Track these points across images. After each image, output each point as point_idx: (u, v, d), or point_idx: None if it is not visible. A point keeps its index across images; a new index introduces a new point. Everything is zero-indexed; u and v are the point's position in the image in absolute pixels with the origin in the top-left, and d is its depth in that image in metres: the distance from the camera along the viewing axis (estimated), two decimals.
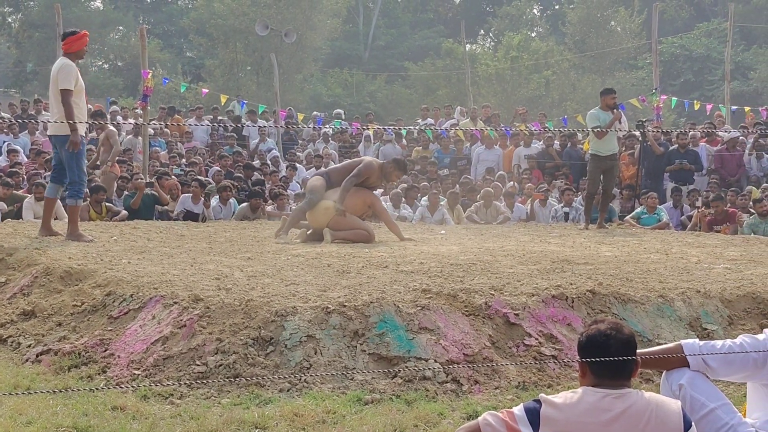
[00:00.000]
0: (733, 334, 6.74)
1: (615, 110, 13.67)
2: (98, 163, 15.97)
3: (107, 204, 14.41)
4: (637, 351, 3.98)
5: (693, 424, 3.89)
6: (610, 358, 3.82)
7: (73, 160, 10.42)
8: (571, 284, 7.36)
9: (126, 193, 15.12)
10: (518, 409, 3.82)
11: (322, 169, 12.89)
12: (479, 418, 3.90)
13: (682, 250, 10.47)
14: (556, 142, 19.66)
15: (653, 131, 18.02)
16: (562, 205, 16.32)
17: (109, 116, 21.88)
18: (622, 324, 4.02)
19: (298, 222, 11.69)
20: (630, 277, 7.91)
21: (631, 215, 15.56)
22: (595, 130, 13.36)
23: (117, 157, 16.33)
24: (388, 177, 11.93)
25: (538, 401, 3.82)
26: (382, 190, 12.93)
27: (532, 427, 3.75)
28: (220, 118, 23.38)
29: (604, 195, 14.10)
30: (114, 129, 15.01)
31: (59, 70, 10.26)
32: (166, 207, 15.19)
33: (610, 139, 13.71)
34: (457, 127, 21.46)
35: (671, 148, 17.96)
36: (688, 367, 4.39)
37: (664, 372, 4.47)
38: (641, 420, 3.76)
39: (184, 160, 18.84)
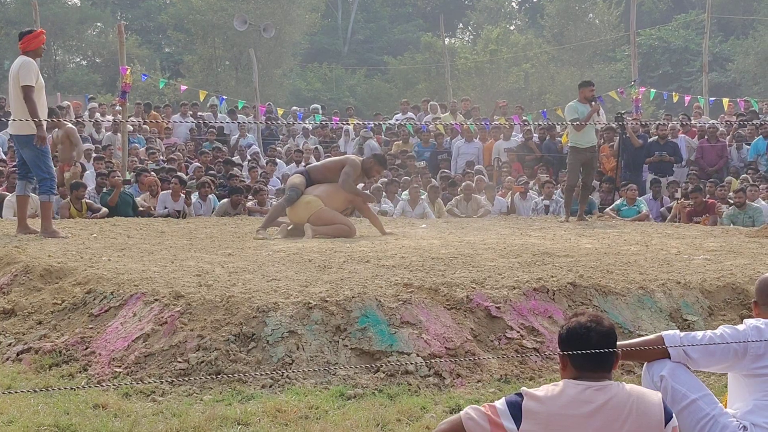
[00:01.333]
0: (713, 324, 6.77)
1: (593, 102, 13.70)
2: (58, 162, 15.81)
3: (87, 201, 14.34)
4: (618, 343, 3.99)
5: (674, 415, 3.90)
6: (590, 350, 3.83)
7: (38, 157, 10.40)
8: (552, 277, 7.38)
9: (104, 190, 15.04)
10: (500, 403, 3.83)
11: (302, 166, 12.90)
12: (461, 413, 3.90)
13: (662, 241, 10.51)
14: (535, 135, 19.70)
15: (632, 123, 18.10)
16: (542, 197, 16.36)
17: (87, 113, 21.81)
18: (603, 316, 4.04)
19: (278, 218, 11.68)
20: (610, 269, 7.93)
21: (610, 207, 15.61)
22: (574, 123, 13.40)
23: (87, 154, 16.25)
24: (369, 173, 11.94)
25: (520, 394, 3.83)
26: (362, 184, 12.92)
27: (514, 421, 3.76)
28: (200, 113, 23.28)
29: (583, 187, 14.14)
30: (73, 126, 14.81)
31: (19, 68, 10.25)
32: (146, 205, 15.15)
33: (589, 132, 13.75)
34: (438, 121, 21.47)
35: (650, 140, 18.03)
36: (669, 358, 4.41)
37: (645, 363, 4.49)
38: (622, 412, 3.77)
39: (162, 157, 18.76)
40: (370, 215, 11.87)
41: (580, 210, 14.11)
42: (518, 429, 3.76)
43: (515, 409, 3.76)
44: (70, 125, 14.72)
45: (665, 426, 3.82)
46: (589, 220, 14.12)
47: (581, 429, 3.74)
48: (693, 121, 18.98)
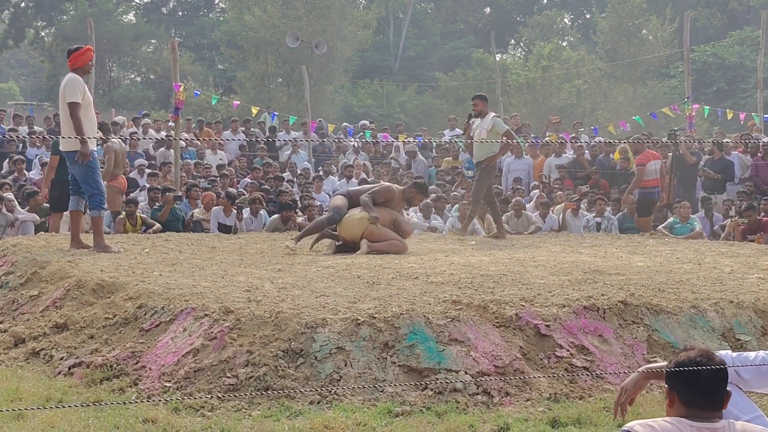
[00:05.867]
0: (766, 345, 6.68)
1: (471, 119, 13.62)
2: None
3: (142, 216, 14.51)
4: (667, 362, 3.90)
5: None
6: (700, 386, 3.72)
7: (86, 173, 10.53)
8: (603, 295, 7.31)
9: (156, 205, 15.21)
10: None
11: (345, 189, 12.96)
12: None
13: (715, 260, 10.38)
14: (586, 151, 19.57)
15: (686, 140, 17.91)
16: (594, 215, 16.23)
17: (141, 129, 22.06)
18: (712, 353, 3.93)
19: (315, 233, 11.76)
20: (662, 288, 7.85)
21: (663, 225, 15.45)
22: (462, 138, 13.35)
23: (141, 170, 16.35)
24: (411, 201, 12.07)
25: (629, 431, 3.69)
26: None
27: None
28: (252, 129, 23.47)
29: (490, 204, 14.02)
30: (112, 144, 14.84)
31: (66, 85, 10.38)
32: (200, 218, 15.30)
33: (480, 146, 13.51)
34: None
35: (704, 157, 17.83)
36: None
37: None
38: None
39: (214, 172, 18.91)
40: (402, 237, 11.71)
41: (498, 225, 13.95)
42: None
43: None
44: (110, 142, 14.77)
45: None
46: (507, 237, 13.81)
47: None
48: (756, 140, 18.68)
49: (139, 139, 20.33)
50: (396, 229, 11.64)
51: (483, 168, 13.72)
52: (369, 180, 17.92)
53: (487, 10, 57.58)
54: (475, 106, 13.79)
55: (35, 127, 21.62)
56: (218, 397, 5.87)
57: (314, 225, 11.97)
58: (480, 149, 13.58)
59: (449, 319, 6.52)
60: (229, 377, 6.05)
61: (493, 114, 14.04)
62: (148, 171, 17.68)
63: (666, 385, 3.81)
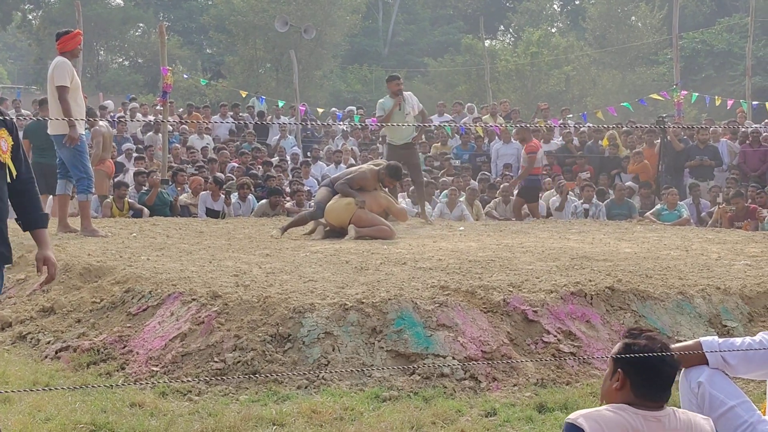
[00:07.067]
0: (753, 330, 6.71)
1: (398, 96, 13.56)
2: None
3: (129, 201, 14.46)
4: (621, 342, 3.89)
5: None
6: (658, 378, 3.72)
7: (74, 156, 10.52)
8: (590, 281, 7.33)
9: (143, 189, 15.17)
10: None
11: (327, 179, 12.95)
12: None
13: (702, 246, 10.41)
14: (575, 137, 19.59)
15: (673, 127, 17.93)
16: (581, 201, 16.24)
17: (128, 113, 21.99)
18: (668, 343, 3.93)
19: (300, 225, 11.78)
20: (649, 274, 7.87)
21: (651, 212, 15.47)
22: (380, 118, 13.40)
23: (128, 154, 16.30)
24: (383, 183, 12.04)
25: (574, 425, 3.68)
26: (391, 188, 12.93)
27: None
28: (241, 114, 23.42)
29: (416, 186, 14.09)
30: (99, 128, 14.72)
31: (54, 69, 10.37)
32: (188, 202, 15.27)
33: (403, 128, 13.53)
34: (479, 123, 21.39)
35: (691, 143, 17.86)
36: (707, 364, 4.36)
37: (683, 369, 4.44)
38: None
39: (201, 156, 18.88)
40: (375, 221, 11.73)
41: (421, 209, 14.00)
42: None
43: None
44: (97, 125, 14.66)
45: None
46: (432, 222, 13.75)
47: None
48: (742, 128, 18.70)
49: (126, 122, 20.23)
50: (387, 215, 11.70)
51: (414, 147, 14.05)
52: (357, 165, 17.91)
53: None
54: (400, 86, 13.79)
55: (22, 111, 21.52)
56: (205, 382, 5.87)
57: (299, 218, 11.98)
58: (410, 129, 13.75)
59: (437, 305, 6.53)
60: (216, 362, 6.05)
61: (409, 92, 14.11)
62: (135, 155, 17.62)
63: (619, 369, 3.77)
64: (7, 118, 4.72)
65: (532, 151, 16.06)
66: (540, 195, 16.53)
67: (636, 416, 3.67)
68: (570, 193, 16.81)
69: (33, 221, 4.92)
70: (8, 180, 4.69)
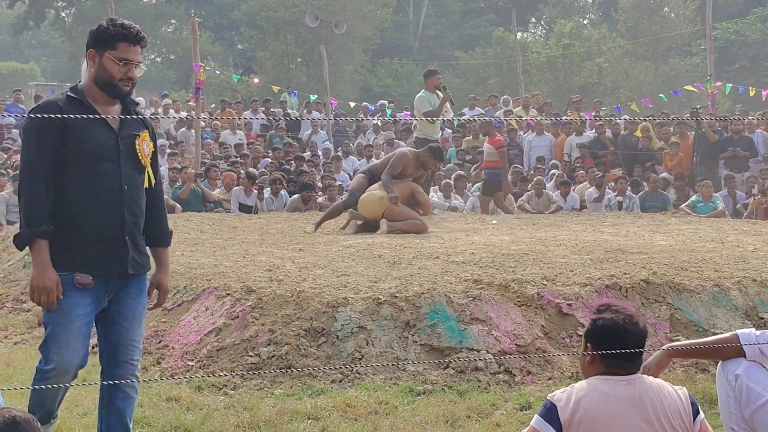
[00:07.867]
0: None
1: (446, 91, 13.41)
2: None
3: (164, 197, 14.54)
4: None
5: (701, 411, 3.84)
6: (625, 349, 3.77)
7: None
8: (625, 274, 7.29)
9: (177, 184, 15.26)
10: (535, 422, 3.75)
11: (365, 166, 12.87)
12: None
13: (738, 238, 10.32)
14: (608, 130, 19.46)
15: (708, 118, 17.78)
16: (615, 194, 16.14)
17: (161, 109, 22.11)
18: (636, 315, 3.98)
19: (334, 217, 11.74)
20: (685, 266, 7.81)
21: (686, 204, 15.36)
22: (428, 113, 13.06)
23: (162, 150, 16.37)
24: (425, 165, 11.85)
25: (550, 403, 3.75)
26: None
27: (553, 426, 3.69)
28: (272, 110, 23.48)
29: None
30: None
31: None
32: (221, 198, 15.34)
33: (438, 123, 13.42)
34: (511, 116, 21.32)
35: (725, 135, 17.71)
36: (745, 357, 4.32)
37: (720, 362, 4.41)
38: (653, 402, 3.72)
39: (233, 151, 18.94)
40: (422, 213, 11.67)
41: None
42: None
43: (552, 417, 3.70)
44: None
45: (694, 420, 3.76)
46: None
47: (618, 423, 3.68)
48: None
49: (159, 118, 20.36)
50: (414, 201, 11.56)
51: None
52: None
53: None
54: (440, 80, 13.67)
55: None
56: (240, 376, 5.90)
57: (333, 209, 11.94)
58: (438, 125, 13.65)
59: (470, 299, 6.52)
60: (251, 356, 6.07)
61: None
62: (168, 151, 17.70)
63: (588, 344, 3.87)
64: (147, 121, 4.58)
65: (502, 145, 15.67)
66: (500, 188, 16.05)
67: (606, 382, 3.76)
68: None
69: (157, 239, 4.71)
70: (146, 185, 4.50)
